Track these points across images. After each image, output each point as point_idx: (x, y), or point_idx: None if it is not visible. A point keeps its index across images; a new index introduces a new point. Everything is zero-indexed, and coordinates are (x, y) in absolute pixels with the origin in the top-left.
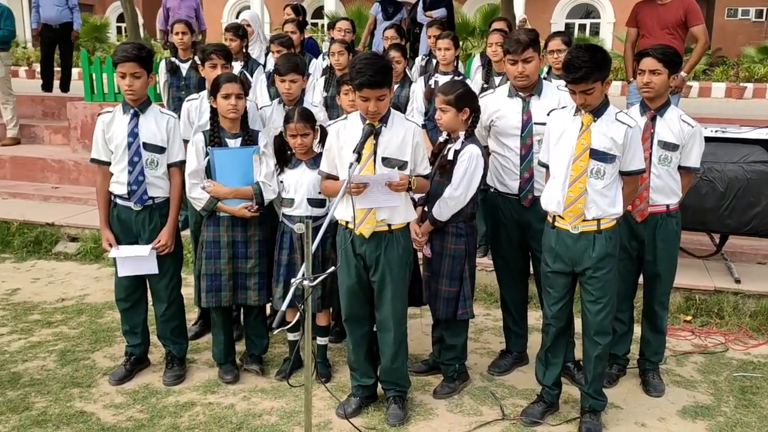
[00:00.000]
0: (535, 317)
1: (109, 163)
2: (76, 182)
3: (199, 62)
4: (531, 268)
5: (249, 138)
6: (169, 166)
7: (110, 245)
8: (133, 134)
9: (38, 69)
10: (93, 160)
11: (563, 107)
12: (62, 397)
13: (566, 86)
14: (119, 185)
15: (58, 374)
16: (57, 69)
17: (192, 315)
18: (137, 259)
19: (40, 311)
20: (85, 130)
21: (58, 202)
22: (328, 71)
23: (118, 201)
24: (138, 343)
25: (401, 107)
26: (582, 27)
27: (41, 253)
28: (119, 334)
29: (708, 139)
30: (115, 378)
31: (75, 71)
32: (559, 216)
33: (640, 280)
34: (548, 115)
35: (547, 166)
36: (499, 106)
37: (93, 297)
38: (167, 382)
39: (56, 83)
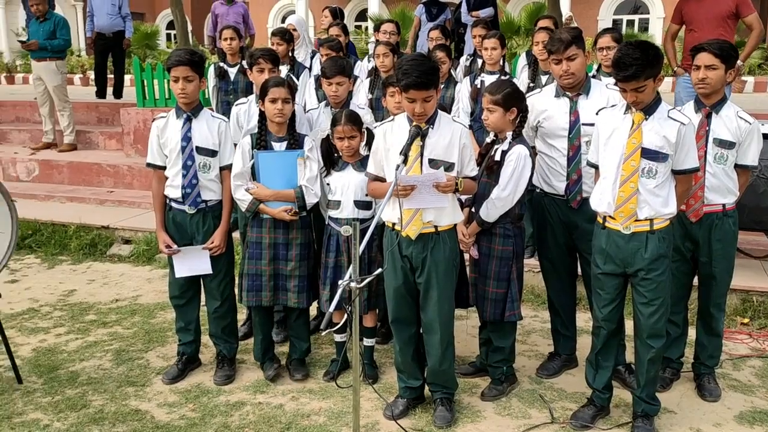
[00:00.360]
0: (583, 319)
1: (164, 167)
2: (130, 186)
3: (246, 67)
4: (579, 269)
5: (294, 141)
6: (221, 169)
7: (167, 246)
8: (186, 138)
9: (92, 76)
10: (149, 165)
11: (613, 106)
12: (118, 395)
13: (616, 84)
14: (174, 189)
15: (113, 373)
16: (110, 76)
17: (241, 316)
18: (192, 260)
19: (95, 312)
20: (138, 135)
21: (113, 206)
22: (373, 73)
23: (173, 204)
24: (190, 341)
25: (446, 108)
26: (630, 23)
27: (96, 255)
28: (171, 334)
29: (766, 136)
30: (168, 377)
31: (127, 78)
32: (610, 216)
33: (695, 281)
34: (597, 114)
35: (596, 167)
36: (546, 107)
37: (145, 298)
38: (218, 382)
39: (109, 90)
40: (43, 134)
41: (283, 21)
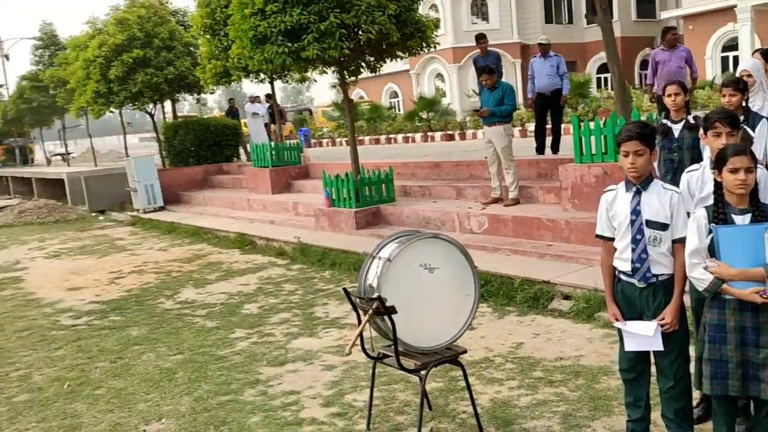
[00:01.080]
0: None
1: (612, 239)
2: (567, 240)
3: (701, 130)
4: None
5: (760, 213)
6: (674, 242)
7: (616, 319)
8: (636, 212)
9: (530, 128)
10: (597, 236)
11: None
12: None
13: None
14: (623, 262)
15: None
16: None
17: (696, 394)
18: (642, 335)
19: (541, 368)
20: (575, 190)
21: (552, 260)
22: None
23: (622, 277)
24: (639, 418)
25: None
26: None
27: (539, 308)
28: (617, 404)
29: None
30: None
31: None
32: None
33: None
34: None
35: None
36: None
37: (588, 359)
38: None
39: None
40: (491, 190)
41: (723, 50)
